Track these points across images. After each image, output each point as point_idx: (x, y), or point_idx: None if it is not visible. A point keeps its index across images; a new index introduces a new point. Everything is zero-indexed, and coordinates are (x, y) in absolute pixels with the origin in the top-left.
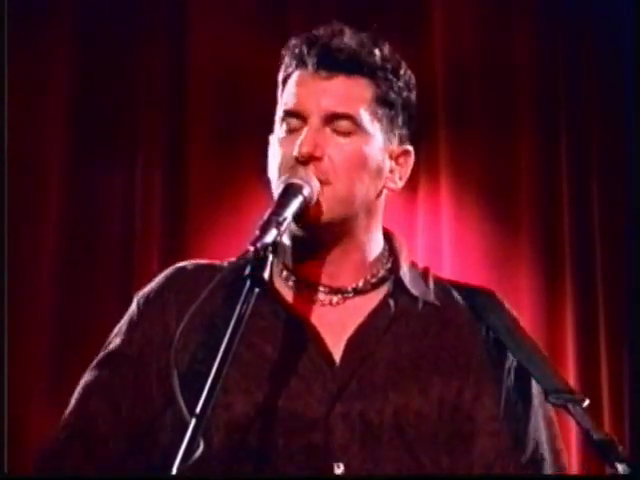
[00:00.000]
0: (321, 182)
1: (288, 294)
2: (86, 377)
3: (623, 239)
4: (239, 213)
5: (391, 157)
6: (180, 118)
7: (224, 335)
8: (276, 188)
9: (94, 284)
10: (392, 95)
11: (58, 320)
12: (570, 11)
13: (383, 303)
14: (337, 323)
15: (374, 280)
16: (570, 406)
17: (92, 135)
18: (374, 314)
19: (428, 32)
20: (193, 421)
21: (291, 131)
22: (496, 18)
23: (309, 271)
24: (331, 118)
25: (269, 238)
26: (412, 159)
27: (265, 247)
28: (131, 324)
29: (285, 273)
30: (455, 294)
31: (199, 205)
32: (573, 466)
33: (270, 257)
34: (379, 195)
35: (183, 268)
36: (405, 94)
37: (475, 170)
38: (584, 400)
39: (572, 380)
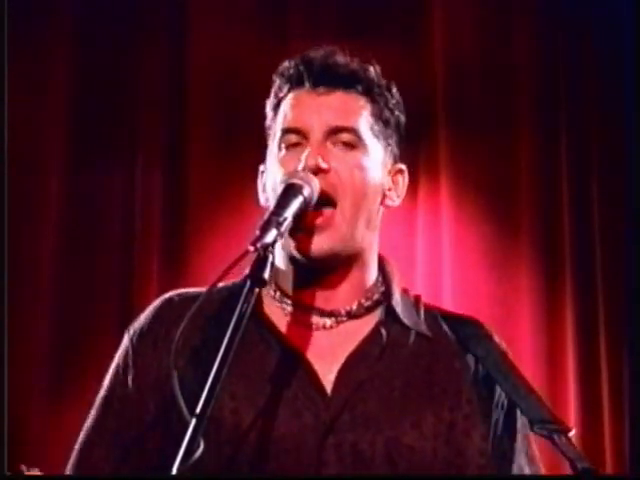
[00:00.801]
0: (327, 203)
1: (279, 319)
2: (87, 424)
3: (623, 239)
4: (239, 213)
5: (388, 174)
6: (180, 118)
7: (223, 335)
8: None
9: (94, 284)
10: (387, 113)
11: (58, 320)
12: (570, 11)
13: (375, 331)
14: (328, 350)
15: (368, 304)
16: (555, 437)
17: (92, 135)
18: (366, 342)
19: (428, 32)
20: (193, 421)
21: (291, 147)
22: (496, 18)
23: (304, 294)
24: (333, 132)
25: (269, 238)
26: (407, 177)
27: (265, 247)
28: (125, 363)
29: (278, 295)
30: (444, 324)
31: (199, 205)
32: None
33: (270, 257)
34: (377, 212)
35: (171, 299)
36: (397, 113)
37: (475, 170)
38: (569, 430)
39: (572, 380)
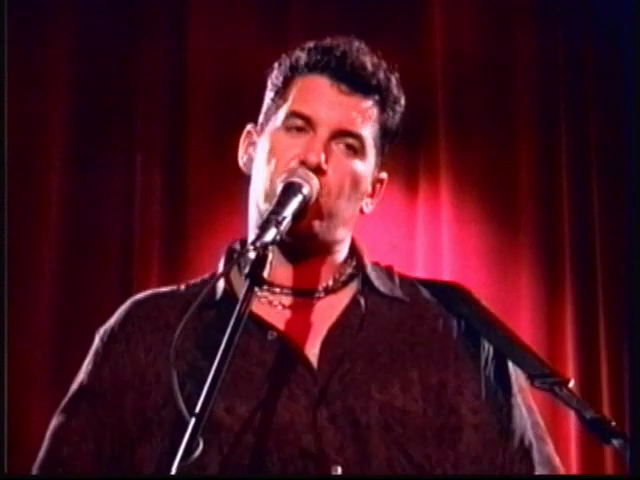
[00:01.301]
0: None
1: (255, 305)
2: (55, 422)
3: (623, 240)
4: (239, 213)
5: (371, 182)
6: (180, 118)
7: (222, 336)
8: (268, 184)
9: (94, 284)
10: (392, 125)
11: (58, 320)
12: (570, 11)
13: (353, 302)
14: (309, 326)
15: (343, 278)
16: (557, 389)
17: (92, 135)
18: (345, 313)
19: (428, 32)
20: (193, 420)
21: (293, 129)
22: (496, 18)
23: (279, 277)
24: (340, 133)
25: (269, 237)
26: (384, 187)
27: (265, 246)
28: (96, 363)
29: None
30: (422, 290)
31: (199, 205)
32: (572, 464)
33: (270, 256)
34: (355, 214)
35: (140, 300)
36: (399, 124)
37: (475, 170)
38: (569, 381)
39: (572, 380)
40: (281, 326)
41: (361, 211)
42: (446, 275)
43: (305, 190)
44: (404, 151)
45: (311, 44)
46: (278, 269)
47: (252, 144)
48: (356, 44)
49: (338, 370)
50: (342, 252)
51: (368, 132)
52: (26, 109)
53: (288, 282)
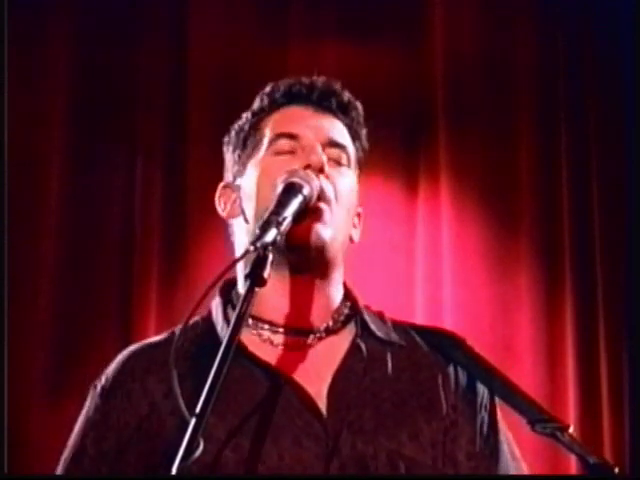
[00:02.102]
0: (321, 199)
1: (257, 346)
2: None
3: (623, 240)
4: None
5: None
6: (180, 118)
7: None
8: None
9: (94, 284)
10: (361, 153)
11: (58, 320)
12: (570, 11)
13: (354, 346)
14: (313, 370)
15: (341, 319)
16: (559, 434)
17: (92, 135)
18: (348, 358)
19: (428, 32)
20: (193, 420)
21: (282, 154)
22: (496, 18)
23: (279, 315)
24: (329, 145)
25: (269, 238)
26: (362, 222)
27: (265, 246)
28: (96, 421)
29: (251, 322)
30: (416, 336)
31: (199, 205)
32: (572, 464)
33: (270, 257)
34: (345, 241)
35: (134, 353)
36: (363, 160)
37: (475, 171)
38: (568, 427)
39: (572, 380)
40: (285, 370)
41: (351, 240)
42: (446, 275)
43: (305, 191)
44: (404, 151)
45: (269, 87)
46: (282, 307)
47: (232, 197)
48: (315, 77)
49: (347, 418)
50: (338, 287)
51: (350, 147)
52: (26, 109)
53: (291, 321)
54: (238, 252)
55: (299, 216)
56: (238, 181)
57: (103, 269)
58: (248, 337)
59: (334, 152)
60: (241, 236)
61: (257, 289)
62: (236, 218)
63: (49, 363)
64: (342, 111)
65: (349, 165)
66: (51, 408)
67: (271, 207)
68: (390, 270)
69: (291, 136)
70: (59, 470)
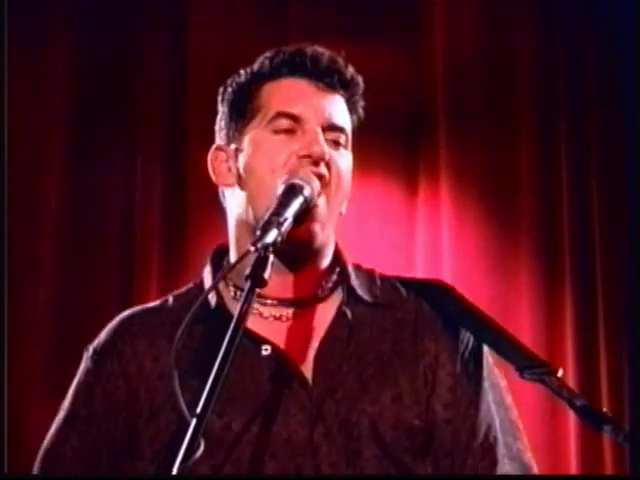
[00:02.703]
0: (323, 191)
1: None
2: (48, 443)
3: (623, 240)
4: None
5: None
6: (180, 118)
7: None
8: (269, 184)
9: (94, 284)
10: (355, 126)
11: (58, 320)
12: (570, 11)
13: (340, 313)
14: (301, 338)
15: (329, 285)
16: (546, 379)
17: (92, 135)
18: (334, 325)
19: (428, 32)
20: (194, 421)
21: (281, 132)
22: (496, 18)
23: (273, 288)
24: (329, 128)
25: (270, 238)
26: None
27: (266, 247)
28: (88, 383)
29: (239, 294)
30: (403, 290)
31: (199, 205)
32: (572, 464)
33: (271, 257)
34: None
35: (129, 316)
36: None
37: (475, 170)
38: (557, 370)
39: (572, 380)
40: (274, 340)
41: (341, 213)
42: (446, 275)
43: (306, 192)
44: (404, 151)
45: (272, 51)
46: (272, 280)
47: (227, 163)
48: (319, 47)
49: (331, 386)
50: (328, 256)
51: (348, 127)
52: (26, 109)
53: (280, 293)
54: (231, 220)
55: (298, 216)
56: (233, 146)
57: (103, 269)
58: (234, 305)
59: (334, 134)
60: (233, 205)
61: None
62: (229, 187)
63: (49, 363)
64: (344, 87)
65: (347, 145)
66: (51, 408)
67: (272, 207)
68: (390, 270)
69: (292, 117)
70: (51, 432)
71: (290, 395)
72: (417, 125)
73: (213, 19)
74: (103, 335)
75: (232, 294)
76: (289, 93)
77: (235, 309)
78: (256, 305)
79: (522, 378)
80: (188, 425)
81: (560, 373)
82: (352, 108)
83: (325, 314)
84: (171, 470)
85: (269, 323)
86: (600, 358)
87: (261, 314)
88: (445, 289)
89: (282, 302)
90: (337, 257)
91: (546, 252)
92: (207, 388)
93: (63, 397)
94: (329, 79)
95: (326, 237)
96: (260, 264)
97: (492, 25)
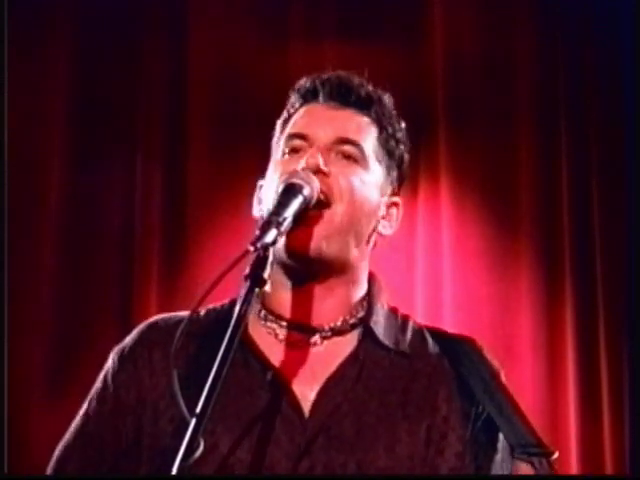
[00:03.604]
0: (322, 202)
1: (262, 338)
2: (65, 439)
3: (623, 240)
4: (239, 212)
5: (384, 203)
6: (180, 118)
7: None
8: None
9: (94, 284)
10: (392, 143)
11: (58, 319)
12: (570, 11)
13: (354, 352)
14: (310, 370)
15: (352, 321)
16: (535, 461)
17: (92, 135)
18: (345, 364)
19: (428, 32)
20: (193, 421)
21: (293, 151)
22: (496, 18)
23: (289, 311)
24: (338, 142)
25: (269, 238)
26: (401, 212)
27: (265, 247)
28: (106, 382)
29: (263, 313)
30: (430, 342)
31: (199, 205)
32: (572, 464)
33: (270, 257)
34: (370, 235)
35: (156, 323)
36: (402, 148)
37: (475, 171)
38: (552, 453)
39: (572, 380)
40: (281, 365)
41: (380, 233)
42: (446, 275)
43: (306, 191)
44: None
45: (302, 81)
46: (285, 299)
47: (257, 197)
48: (343, 73)
49: (326, 424)
50: (356, 286)
51: (366, 142)
52: (26, 109)
53: (297, 316)
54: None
55: (295, 222)
56: (261, 182)
57: (103, 269)
58: (256, 327)
59: (345, 148)
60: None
61: (257, 290)
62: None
63: (49, 363)
64: (362, 106)
65: (362, 160)
66: (51, 408)
67: (271, 207)
68: (390, 270)
69: (300, 136)
70: (73, 425)
71: (283, 425)
72: (417, 125)
73: (213, 19)
74: (128, 338)
75: (257, 311)
76: (302, 117)
77: (255, 331)
78: (274, 326)
79: (512, 456)
80: (186, 430)
81: (555, 456)
82: (380, 128)
83: (341, 349)
84: (171, 470)
85: (282, 347)
86: (600, 358)
87: (277, 335)
88: (472, 347)
89: (298, 327)
90: (370, 293)
91: (546, 252)
92: (206, 388)
93: (63, 397)
94: (341, 98)
95: (332, 250)
96: (259, 264)
97: (492, 25)
